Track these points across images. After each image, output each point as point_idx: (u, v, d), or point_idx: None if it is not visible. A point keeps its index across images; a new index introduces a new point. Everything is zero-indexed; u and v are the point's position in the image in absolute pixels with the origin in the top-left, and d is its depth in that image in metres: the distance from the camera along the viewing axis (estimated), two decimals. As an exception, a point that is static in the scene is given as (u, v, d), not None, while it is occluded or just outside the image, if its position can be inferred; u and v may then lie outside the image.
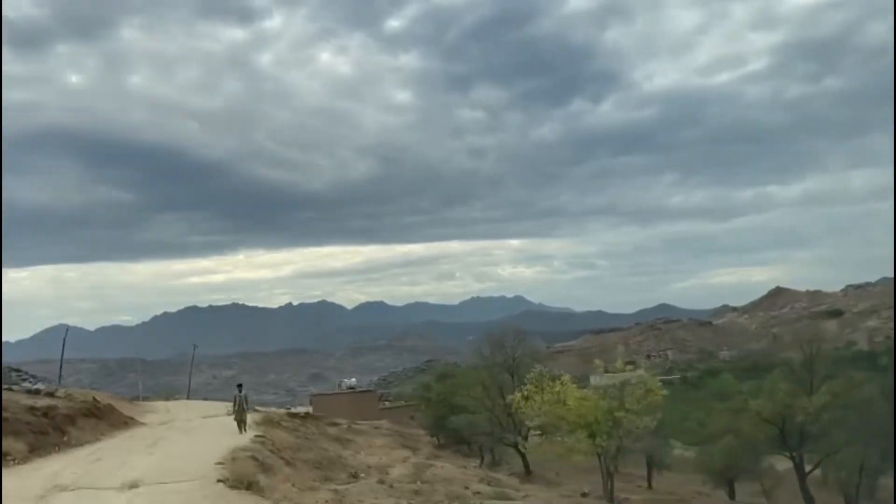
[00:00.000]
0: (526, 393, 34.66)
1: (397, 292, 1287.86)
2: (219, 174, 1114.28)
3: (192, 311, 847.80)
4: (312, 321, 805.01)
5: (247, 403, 29.97)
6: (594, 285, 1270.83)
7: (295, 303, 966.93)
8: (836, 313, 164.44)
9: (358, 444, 38.60)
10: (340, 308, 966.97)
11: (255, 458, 20.04)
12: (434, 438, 55.29)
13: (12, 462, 19.05)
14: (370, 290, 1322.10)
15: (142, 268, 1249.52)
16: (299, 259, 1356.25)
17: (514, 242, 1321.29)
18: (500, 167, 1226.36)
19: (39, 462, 19.91)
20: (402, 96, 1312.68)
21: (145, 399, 59.35)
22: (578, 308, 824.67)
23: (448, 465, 32.14)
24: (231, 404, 31.99)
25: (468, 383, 46.57)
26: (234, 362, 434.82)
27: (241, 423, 28.26)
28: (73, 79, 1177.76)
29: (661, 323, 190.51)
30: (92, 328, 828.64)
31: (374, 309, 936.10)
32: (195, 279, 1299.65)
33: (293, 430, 34.17)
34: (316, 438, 34.76)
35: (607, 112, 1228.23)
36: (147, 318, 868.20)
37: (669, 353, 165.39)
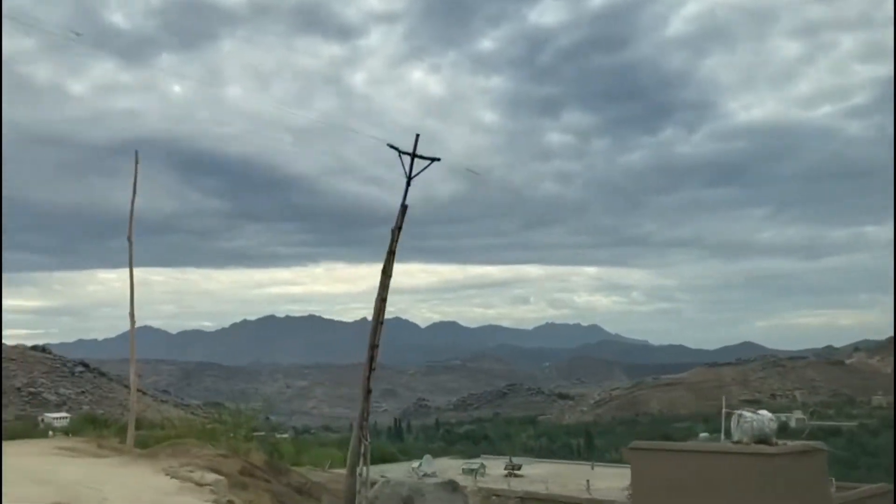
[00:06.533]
0: None
1: (470, 313, 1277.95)
2: (306, 187, 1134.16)
3: (269, 321, 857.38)
4: (386, 337, 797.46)
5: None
6: (673, 319, 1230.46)
7: (370, 318, 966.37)
8: None
9: None
10: (414, 326, 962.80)
11: None
12: None
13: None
14: (443, 310, 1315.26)
15: (224, 275, 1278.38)
16: (376, 275, 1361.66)
17: (592, 270, 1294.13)
18: (586, 193, 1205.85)
19: None
20: (491, 117, 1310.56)
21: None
22: (656, 341, 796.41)
23: None
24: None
25: None
26: (307, 373, 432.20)
27: None
28: (175, 88, 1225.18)
29: (786, 360, 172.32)
30: (174, 332, 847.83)
31: (446, 329, 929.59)
32: (275, 289, 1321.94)
33: None
34: None
35: (700, 141, 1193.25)
36: (226, 325, 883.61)
37: (797, 393, 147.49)
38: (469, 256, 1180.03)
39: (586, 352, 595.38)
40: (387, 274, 14.30)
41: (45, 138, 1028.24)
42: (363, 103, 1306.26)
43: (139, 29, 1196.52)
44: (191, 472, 16.06)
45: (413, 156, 14.45)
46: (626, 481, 28.76)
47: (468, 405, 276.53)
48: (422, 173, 14.68)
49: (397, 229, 14.49)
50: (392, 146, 14.37)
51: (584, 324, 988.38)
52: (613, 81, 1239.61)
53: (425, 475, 33.46)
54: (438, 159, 14.66)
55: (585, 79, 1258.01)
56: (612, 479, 30.70)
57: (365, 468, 13.55)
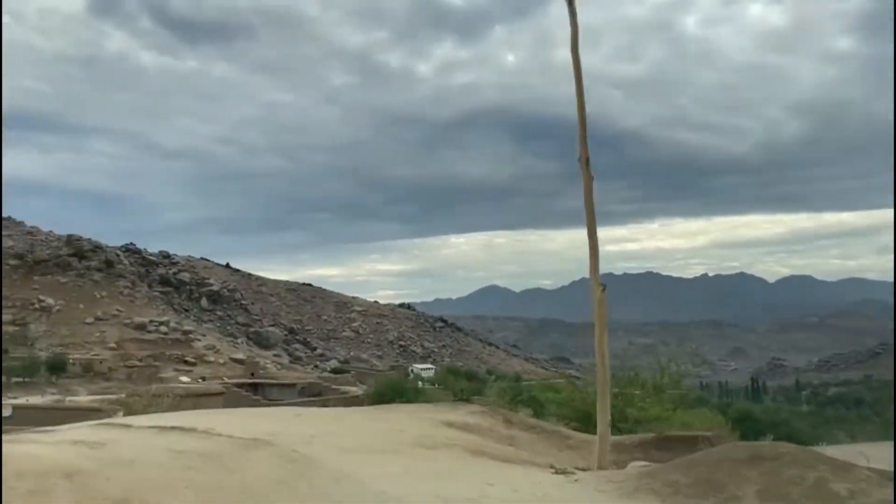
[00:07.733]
0: None
1: (827, 266, 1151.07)
2: (637, 141, 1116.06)
3: (607, 278, 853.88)
4: (729, 293, 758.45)
5: None
6: None
7: (711, 273, 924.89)
8: None
9: None
10: (760, 281, 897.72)
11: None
12: None
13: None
14: (794, 263, 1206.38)
15: (561, 235, 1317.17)
16: (715, 229, 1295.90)
17: None
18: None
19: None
20: (845, 43, 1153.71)
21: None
22: None
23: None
24: None
25: None
26: (650, 330, 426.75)
27: None
28: (509, 58, 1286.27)
29: None
30: (517, 290, 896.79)
31: (799, 283, 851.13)
32: (610, 247, 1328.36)
33: None
34: None
35: None
36: (566, 283, 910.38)
37: None
38: (821, 203, 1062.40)
39: None
40: None
41: (401, 118, 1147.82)
42: (696, 46, 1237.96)
43: (473, 5, 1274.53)
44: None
45: None
46: None
47: (833, 366, 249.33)
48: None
49: None
50: None
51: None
52: None
53: None
54: None
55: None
56: None
57: None
